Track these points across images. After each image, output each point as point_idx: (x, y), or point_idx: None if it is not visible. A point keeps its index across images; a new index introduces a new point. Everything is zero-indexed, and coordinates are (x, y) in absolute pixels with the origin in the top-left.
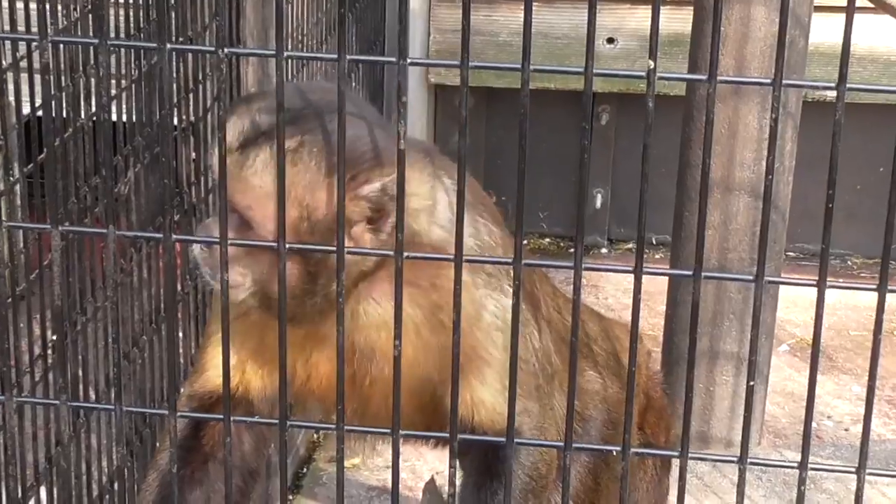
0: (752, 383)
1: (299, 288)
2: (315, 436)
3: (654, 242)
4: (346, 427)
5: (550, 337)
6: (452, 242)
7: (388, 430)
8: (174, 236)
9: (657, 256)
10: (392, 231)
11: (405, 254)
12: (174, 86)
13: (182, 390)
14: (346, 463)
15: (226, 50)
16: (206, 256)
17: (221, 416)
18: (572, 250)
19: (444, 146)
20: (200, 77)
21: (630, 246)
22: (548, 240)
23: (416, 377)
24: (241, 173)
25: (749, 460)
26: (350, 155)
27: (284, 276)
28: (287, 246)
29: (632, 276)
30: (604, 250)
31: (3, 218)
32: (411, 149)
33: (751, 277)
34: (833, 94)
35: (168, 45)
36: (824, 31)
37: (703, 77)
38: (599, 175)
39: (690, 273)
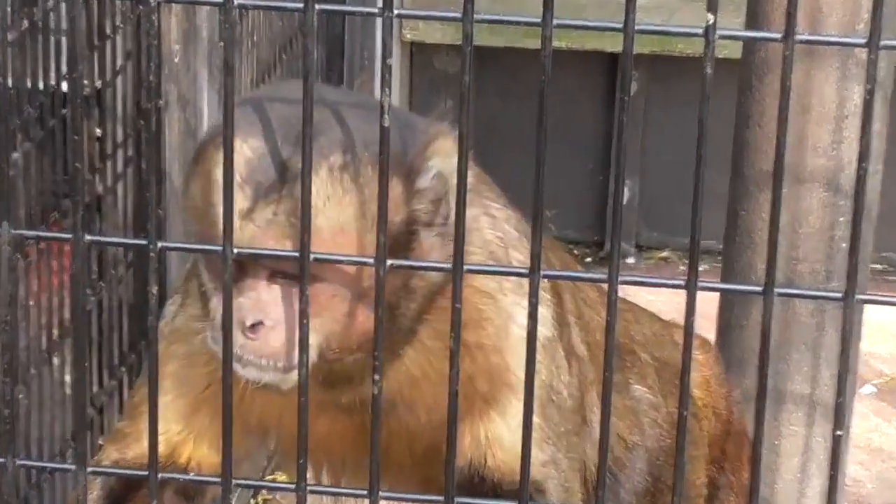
0: (838, 433)
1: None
2: None
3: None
4: (308, 486)
5: (591, 364)
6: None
7: (365, 491)
8: (87, 237)
9: (702, 268)
10: (446, 223)
11: (388, 262)
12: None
13: (99, 454)
14: None
15: None
16: (257, 346)
17: (146, 472)
18: (589, 260)
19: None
20: (109, 30)
21: (665, 254)
22: None
23: (440, 420)
24: (291, 221)
25: None
26: (392, 149)
27: (383, 297)
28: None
29: (673, 292)
30: (631, 260)
31: None
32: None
33: (839, 295)
34: None
35: None
36: None
37: (778, 35)
38: (626, 161)
39: (760, 289)
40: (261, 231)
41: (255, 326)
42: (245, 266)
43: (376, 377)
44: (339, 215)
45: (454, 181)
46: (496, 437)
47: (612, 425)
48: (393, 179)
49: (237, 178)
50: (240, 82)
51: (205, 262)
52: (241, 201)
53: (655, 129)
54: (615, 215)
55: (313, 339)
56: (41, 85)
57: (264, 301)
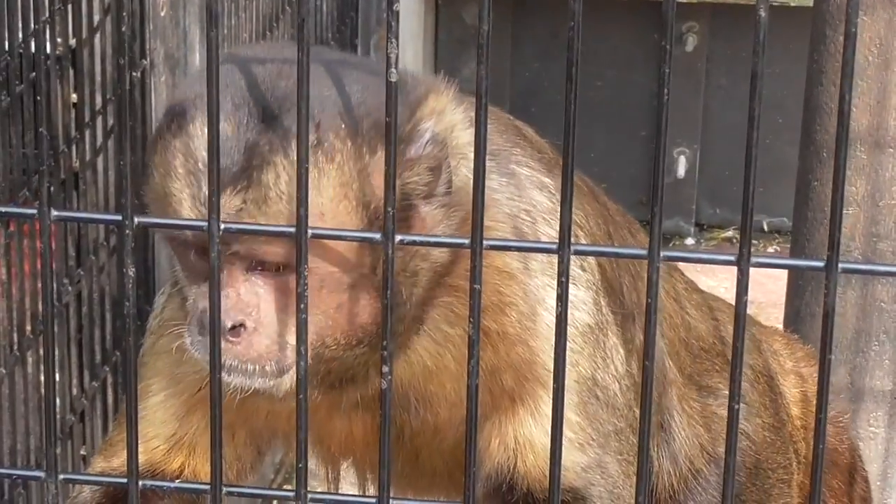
0: None
1: (374, 329)
2: None
3: (765, 229)
4: (310, 494)
5: (671, 360)
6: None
7: (374, 500)
8: (55, 213)
9: (770, 249)
10: (450, 191)
11: (398, 237)
12: None
13: (91, 465)
14: None
15: None
16: (241, 350)
17: (125, 480)
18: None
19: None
20: None
21: (729, 234)
22: None
23: (463, 417)
24: (263, 210)
25: None
26: (377, 114)
27: (392, 272)
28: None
29: (732, 269)
30: (690, 240)
31: None
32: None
33: None
34: None
35: None
36: None
37: None
38: (683, 127)
39: (821, 264)
40: (239, 214)
41: (235, 329)
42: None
43: (385, 369)
44: (316, 200)
45: (456, 141)
46: (526, 439)
47: (695, 434)
48: (378, 150)
49: (199, 165)
50: (237, 38)
51: (177, 254)
52: (203, 190)
53: (719, 89)
54: (656, 178)
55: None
56: (6, 44)
57: (244, 299)
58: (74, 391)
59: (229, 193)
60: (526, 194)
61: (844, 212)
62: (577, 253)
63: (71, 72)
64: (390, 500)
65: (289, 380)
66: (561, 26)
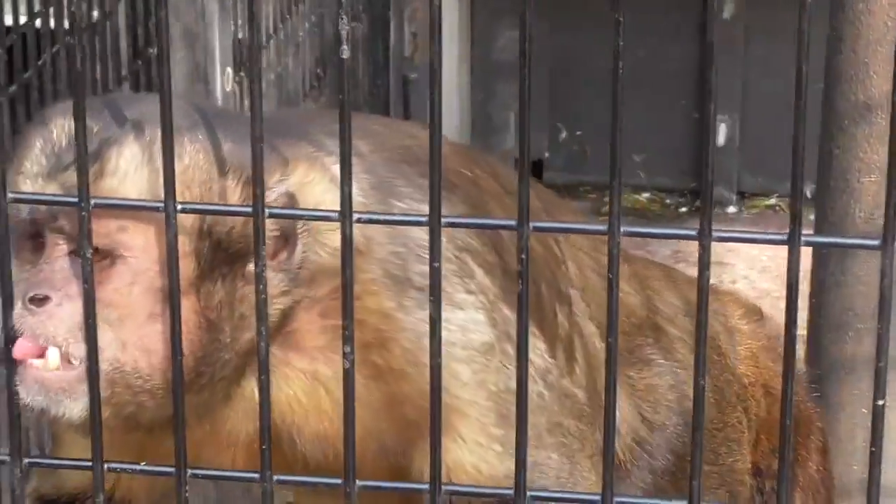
0: None
1: (198, 348)
2: None
3: (809, 196)
4: (276, 477)
5: (597, 334)
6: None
7: (340, 481)
8: (11, 194)
9: (812, 217)
10: (302, 270)
11: (356, 214)
12: None
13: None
14: None
15: None
16: (38, 321)
17: (90, 464)
18: (684, 210)
19: (484, 57)
20: None
21: (772, 202)
22: (647, 195)
23: (364, 449)
24: (97, 185)
25: None
26: (238, 153)
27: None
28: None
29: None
30: (731, 209)
31: None
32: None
33: None
34: None
35: None
36: None
37: None
38: (722, 96)
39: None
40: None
41: (39, 300)
42: (44, 240)
43: (347, 349)
44: (145, 184)
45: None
46: (456, 464)
47: (633, 406)
48: (229, 178)
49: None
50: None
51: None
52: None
53: (759, 57)
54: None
55: (106, 341)
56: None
57: (57, 276)
58: None
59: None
60: (400, 233)
61: (867, 179)
62: (537, 229)
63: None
64: (355, 483)
65: (81, 405)
66: None
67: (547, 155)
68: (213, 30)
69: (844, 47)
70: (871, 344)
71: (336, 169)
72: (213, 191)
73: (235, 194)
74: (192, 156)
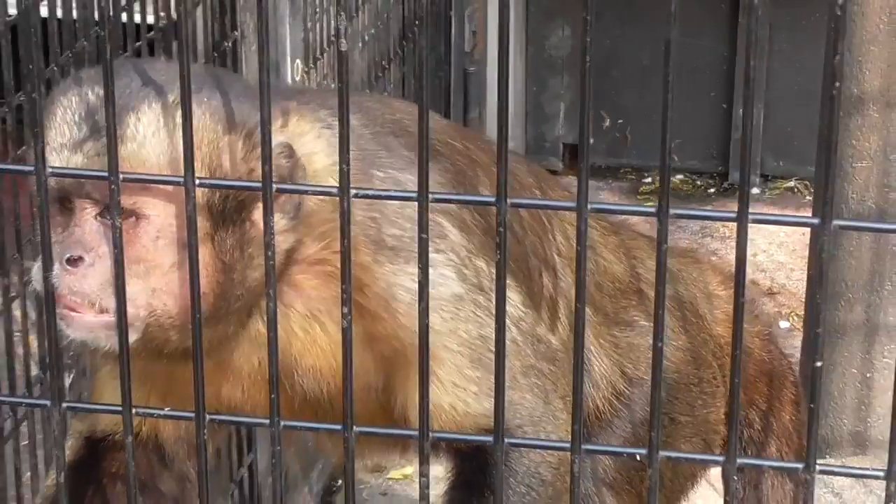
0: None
1: (216, 286)
2: None
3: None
4: (283, 422)
5: (568, 291)
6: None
7: (339, 427)
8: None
9: (805, 200)
10: (300, 212)
11: (352, 190)
12: None
13: (70, 425)
14: (397, 473)
15: None
16: (74, 280)
17: (119, 408)
18: (712, 191)
19: (539, 50)
20: None
21: (791, 184)
22: (680, 177)
23: (361, 387)
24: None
25: None
26: (239, 108)
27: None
28: (198, 181)
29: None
30: (755, 190)
31: None
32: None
33: None
34: None
35: None
36: None
37: None
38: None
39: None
40: (90, 161)
41: (74, 260)
42: (72, 205)
43: (345, 310)
44: (172, 151)
45: (314, 167)
46: (435, 405)
47: (613, 362)
48: (231, 132)
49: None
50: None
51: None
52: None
53: (782, 48)
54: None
55: (138, 290)
56: (95, 13)
57: (87, 237)
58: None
59: (94, 140)
60: (377, 201)
61: (859, 165)
62: (515, 205)
63: (173, 43)
64: (354, 427)
65: (133, 333)
66: None
67: (592, 140)
68: (285, 25)
69: (839, 46)
70: (861, 312)
71: (328, 120)
72: (221, 147)
73: (238, 147)
74: (199, 117)
